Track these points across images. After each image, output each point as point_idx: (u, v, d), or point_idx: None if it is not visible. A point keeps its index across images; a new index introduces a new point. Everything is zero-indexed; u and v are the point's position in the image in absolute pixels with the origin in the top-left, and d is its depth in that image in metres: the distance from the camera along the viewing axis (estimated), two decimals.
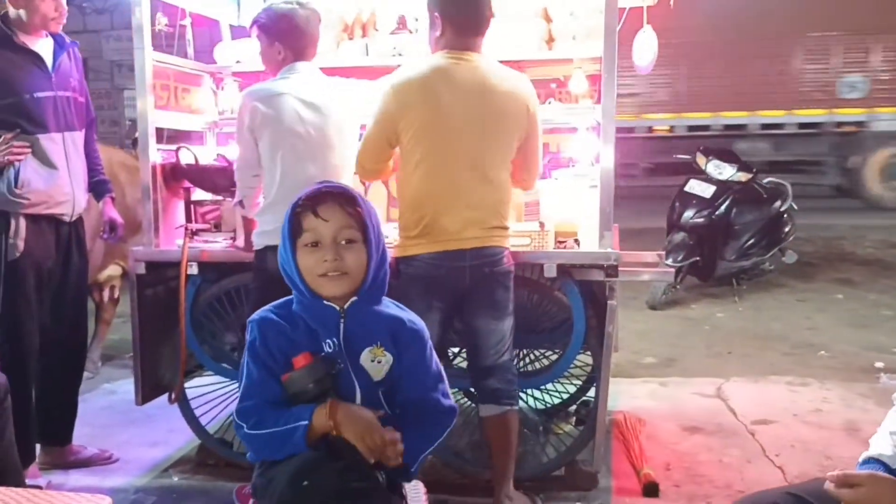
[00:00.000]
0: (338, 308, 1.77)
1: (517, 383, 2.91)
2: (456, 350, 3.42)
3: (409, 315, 1.87)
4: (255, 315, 1.80)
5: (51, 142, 3.06)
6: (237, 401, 1.75)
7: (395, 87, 2.70)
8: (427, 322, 2.61)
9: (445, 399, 1.85)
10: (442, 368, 1.89)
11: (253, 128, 2.86)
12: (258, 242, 2.90)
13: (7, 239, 3.00)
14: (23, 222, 3.02)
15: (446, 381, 1.88)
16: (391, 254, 2.60)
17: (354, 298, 1.78)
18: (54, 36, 3.12)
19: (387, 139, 2.73)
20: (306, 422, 1.65)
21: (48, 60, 3.09)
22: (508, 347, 2.83)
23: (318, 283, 1.76)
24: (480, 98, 2.68)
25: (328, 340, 1.76)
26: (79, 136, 3.21)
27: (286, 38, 2.92)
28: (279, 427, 1.67)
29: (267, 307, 1.82)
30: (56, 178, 3.08)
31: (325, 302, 1.77)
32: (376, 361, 1.77)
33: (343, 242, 1.75)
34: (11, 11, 3.00)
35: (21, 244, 3.02)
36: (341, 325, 1.77)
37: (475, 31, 2.76)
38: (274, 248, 2.79)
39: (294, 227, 1.77)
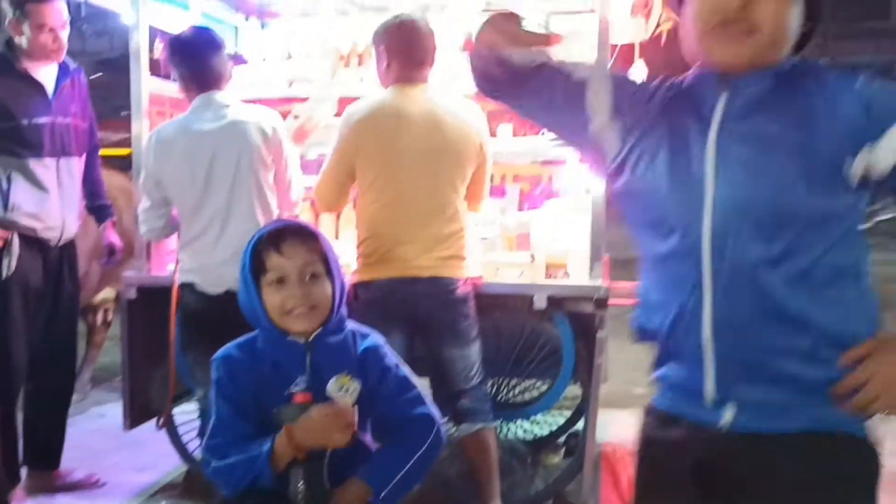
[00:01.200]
0: (302, 342, 1.78)
1: (490, 403, 2.93)
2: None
3: (365, 331, 1.89)
4: (220, 353, 1.82)
5: (43, 167, 3.08)
6: (206, 437, 1.76)
7: (348, 121, 2.78)
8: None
9: (419, 406, 1.85)
10: (412, 378, 1.88)
11: (155, 162, 2.85)
12: (179, 279, 2.91)
13: (2, 257, 3.01)
14: (16, 240, 3.03)
15: (418, 388, 1.87)
16: (350, 279, 2.69)
17: (318, 331, 1.79)
18: (59, 62, 3.15)
19: (345, 172, 2.81)
20: (266, 447, 1.67)
21: (49, 87, 3.12)
22: (477, 372, 2.86)
23: (286, 320, 1.77)
24: (432, 132, 2.74)
25: (297, 379, 1.76)
26: (75, 163, 3.23)
27: (185, 69, 2.89)
28: (241, 456, 1.69)
29: (231, 344, 1.83)
30: (46, 201, 3.10)
31: (289, 338, 1.78)
32: (343, 390, 1.77)
33: (307, 278, 1.77)
34: (17, 38, 3.03)
35: (14, 263, 3.03)
36: (307, 359, 1.78)
37: (420, 63, 2.82)
38: (191, 286, 2.83)
39: (255, 265, 1.78)
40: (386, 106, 2.78)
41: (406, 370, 1.90)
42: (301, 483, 1.68)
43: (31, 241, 3.10)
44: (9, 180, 3.02)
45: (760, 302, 1.25)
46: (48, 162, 3.10)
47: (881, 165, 1.22)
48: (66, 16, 3.06)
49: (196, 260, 2.85)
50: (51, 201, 3.12)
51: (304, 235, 1.80)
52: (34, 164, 3.05)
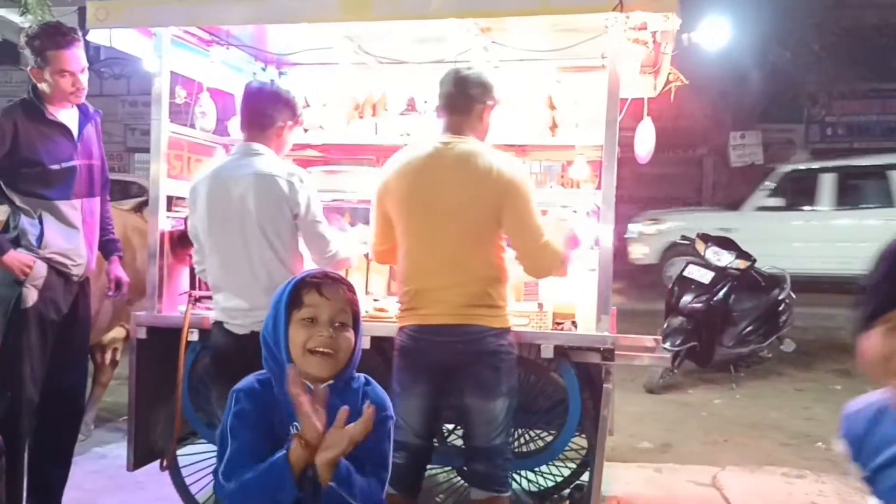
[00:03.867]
0: (312, 388, 1.78)
1: (510, 469, 2.85)
2: (451, 427, 3.41)
3: (373, 389, 1.91)
4: (241, 385, 1.85)
5: (71, 208, 3.17)
6: (222, 466, 1.75)
7: (382, 172, 2.89)
8: (412, 393, 2.75)
9: (380, 487, 1.84)
10: (389, 454, 1.89)
11: (189, 208, 2.96)
12: (213, 315, 2.97)
13: (23, 285, 3.06)
14: (43, 270, 3.10)
15: (389, 471, 1.88)
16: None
17: (331, 382, 1.82)
18: (79, 106, 3.24)
19: (384, 220, 2.88)
20: (283, 451, 1.68)
21: (74, 131, 3.21)
22: (502, 431, 2.75)
23: (305, 360, 1.80)
24: (449, 183, 2.74)
25: (295, 423, 1.75)
26: (96, 203, 3.32)
27: (241, 112, 3.04)
28: (259, 469, 1.69)
29: (251, 378, 1.87)
30: (76, 239, 3.19)
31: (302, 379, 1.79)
32: None
33: (337, 325, 1.82)
34: (40, 84, 3.12)
35: (35, 293, 3.08)
36: None
37: (453, 110, 2.84)
38: (220, 324, 2.88)
39: (292, 301, 1.83)
40: (410, 157, 2.83)
41: (386, 454, 1.89)
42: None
43: (56, 275, 3.16)
44: (41, 220, 3.10)
45: None
46: (75, 203, 3.18)
47: None
48: (84, 61, 3.15)
49: (225, 301, 2.89)
50: (79, 239, 3.20)
51: (343, 286, 1.88)
52: (63, 206, 3.14)
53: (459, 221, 2.75)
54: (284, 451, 1.69)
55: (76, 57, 3.09)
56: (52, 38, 3.04)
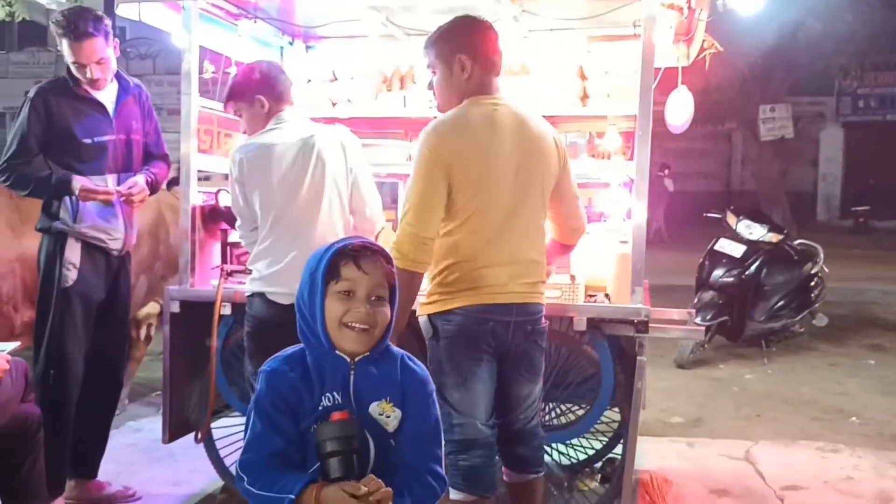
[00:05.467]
0: (349, 361, 1.79)
1: (544, 447, 2.83)
2: None
3: (415, 365, 1.88)
4: (267, 366, 1.81)
5: (104, 183, 3.17)
6: (242, 451, 1.76)
7: (438, 137, 2.49)
8: (477, 380, 2.54)
9: (438, 466, 1.82)
10: (441, 427, 1.87)
11: (242, 181, 2.94)
12: (248, 289, 2.96)
13: (62, 266, 3.10)
14: (78, 248, 3.13)
15: (443, 445, 1.86)
16: (424, 311, 2.59)
17: (367, 354, 1.80)
18: (119, 80, 3.25)
19: (439, 195, 2.48)
20: (292, 497, 1.65)
21: (110, 105, 3.21)
22: (537, 411, 2.72)
23: (340, 334, 1.77)
24: (519, 144, 2.55)
25: (328, 394, 1.75)
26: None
27: (263, 90, 3.00)
28: (271, 493, 1.68)
29: (279, 357, 1.83)
30: (112, 214, 3.20)
31: (337, 352, 1.78)
32: (385, 416, 1.78)
33: (374, 299, 1.79)
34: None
35: (74, 272, 3.12)
36: (351, 379, 1.78)
37: (499, 70, 2.63)
38: (261, 295, 2.87)
39: (329, 272, 1.78)
40: (477, 118, 2.52)
41: (438, 422, 1.87)
42: None
43: (96, 252, 3.19)
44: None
45: None
46: (108, 178, 3.19)
47: None
48: (100, 53, 3.09)
49: (269, 269, 2.89)
50: (115, 213, 3.21)
51: (382, 257, 1.82)
52: (97, 181, 3.14)
53: (534, 187, 2.57)
54: (294, 493, 1.64)
55: (89, 51, 3.07)
56: (66, 29, 3.04)
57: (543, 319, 2.66)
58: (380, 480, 1.65)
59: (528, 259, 2.59)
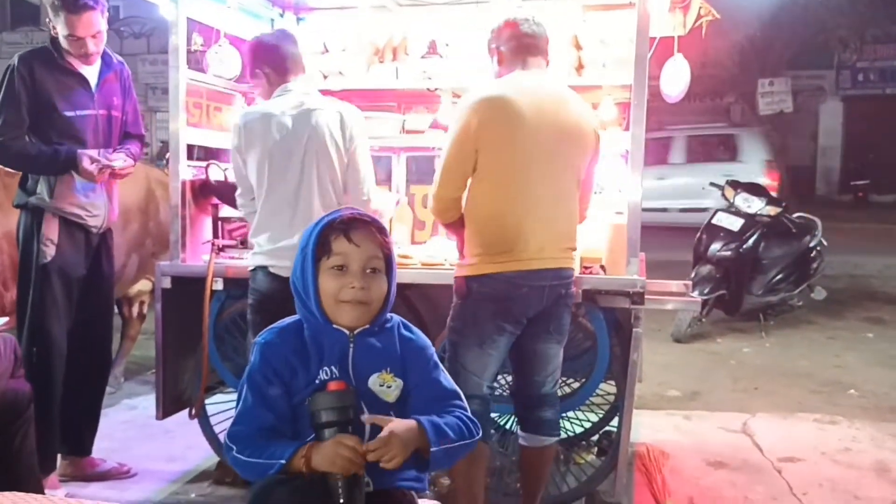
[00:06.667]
0: (347, 333, 1.75)
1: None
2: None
3: (412, 334, 1.84)
4: (261, 337, 1.78)
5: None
6: (231, 423, 1.73)
7: (477, 102, 2.60)
8: (495, 347, 2.63)
9: (466, 412, 1.79)
10: (458, 390, 1.83)
11: (240, 148, 2.91)
12: (251, 262, 2.93)
13: (40, 242, 3.07)
14: (55, 224, 3.09)
15: (465, 401, 1.82)
16: (461, 272, 2.65)
17: (366, 326, 1.76)
18: (102, 56, 3.19)
19: (468, 159, 2.60)
20: (282, 461, 1.63)
21: (93, 80, 3.17)
22: (557, 379, 2.80)
23: (337, 309, 1.74)
24: (558, 116, 2.64)
25: (325, 368, 1.72)
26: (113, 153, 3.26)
27: (270, 63, 2.97)
28: (261, 459, 1.65)
29: (273, 328, 1.80)
30: (91, 190, 3.16)
31: (334, 326, 1.75)
32: (385, 386, 1.75)
33: (369, 271, 1.74)
34: (58, 37, 3.08)
35: (52, 248, 3.08)
36: (350, 352, 1.75)
37: (539, 52, 2.77)
38: (264, 269, 2.84)
39: (320, 247, 1.75)
40: (517, 87, 2.64)
41: (448, 379, 1.84)
42: (340, 488, 1.64)
43: (75, 228, 3.15)
44: None
45: None
46: (91, 153, 3.13)
47: None
48: (97, 27, 3.05)
49: (270, 242, 2.86)
50: (95, 190, 3.17)
51: (374, 228, 1.78)
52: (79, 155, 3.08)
53: (570, 155, 2.67)
54: (285, 458, 1.62)
55: (86, 24, 3.02)
56: (65, 1, 2.98)
57: (572, 282, 2.73)
58: (386, 435, 1.61)
59: (561, 225, 2.67)
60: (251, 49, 3.05)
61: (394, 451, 1.60)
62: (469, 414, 1.79)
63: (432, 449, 1.66)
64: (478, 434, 1.77)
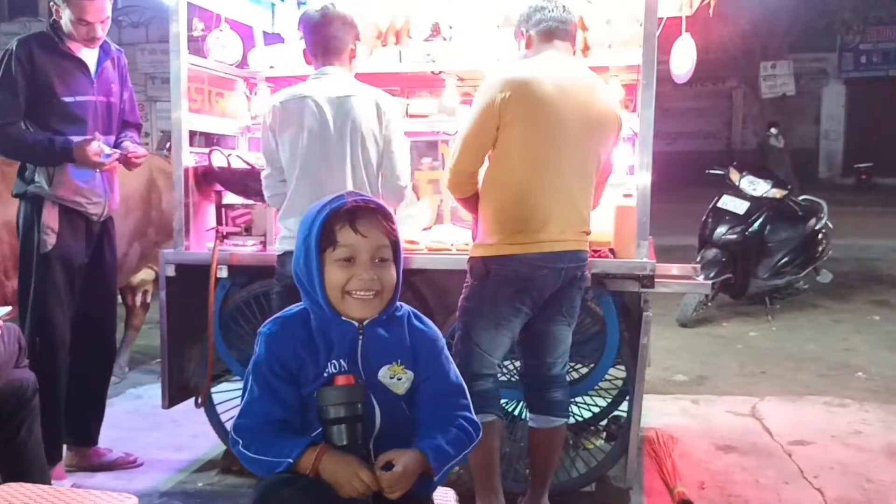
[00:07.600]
0: (356, 325, 1.71)
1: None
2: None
3: (423, 325, 1.80)
4: (265, 327, 1.73)
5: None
6: (237, 415, 1.70)
7: (504, 81, 2.59)
8: (509, 328, 2.66)
9: (469, 412, 1.76)
10: (464, 385, 1.79)
11: (274, 128, 2.86)
12: (279, 247, 2.88)
13: (40, 231, 3.04)
14: (55, 213, 3.06)
15: (469, 398, 1.78)
16: (478, 252, 2.64)
17: (374, 317, 1.72)
18: (101, 44, 3.15)
19: (489, 135, 2.59)
20: (290, 461, 1.60)
21: (92, 66, 3.13)
22: (567, 361, 2.81)
23: (345, 302, 1.68)
24: (585, 102, 2.64)
25: (333, 361, 1.68)
26: (113, 141, 3.22)
27: (308, 41, 2.93)
28: (267, 457, 1.62)
29: (278, 318, 1.74)
30: (91, 178, 3.12)
31: (343, 318, 1.70)
32: (396, 378, 1.71)
33: (377, 261, 1.69)
34: (60, 21, 3.04)
35: (53, 237, 3.05)
36: (359, 344, 1.70)
37: (566, 37, 2.77)
38: (291, 254, 2.80)
39: (324, 238, 1.68)
40: (545, 66, 2.64)
41: (457, 374, 1.80)
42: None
43: (76, 216, 3.12)
44: None
45: None
46: (94, 146, 3.08)
47: None
48: (106, 12, 3.04)
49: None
50: (95, 178, 3.13)
51: (381, 216, 1.71)
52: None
53: (594, 140, 2.67)
54: (293, 458, 1.59)
55: (98, 8, 3.00)
56: None
57: (587, 265, 2.76)
58: (400, 470, 1.58)
59: (581, 207, 2.68)
60: (299, 20, 3.00)
61: (402, 484, 1.58)
62: (471, 414, 1.75)
63: (435, 477, 1.66)
64: (478, 435, 1.74)
